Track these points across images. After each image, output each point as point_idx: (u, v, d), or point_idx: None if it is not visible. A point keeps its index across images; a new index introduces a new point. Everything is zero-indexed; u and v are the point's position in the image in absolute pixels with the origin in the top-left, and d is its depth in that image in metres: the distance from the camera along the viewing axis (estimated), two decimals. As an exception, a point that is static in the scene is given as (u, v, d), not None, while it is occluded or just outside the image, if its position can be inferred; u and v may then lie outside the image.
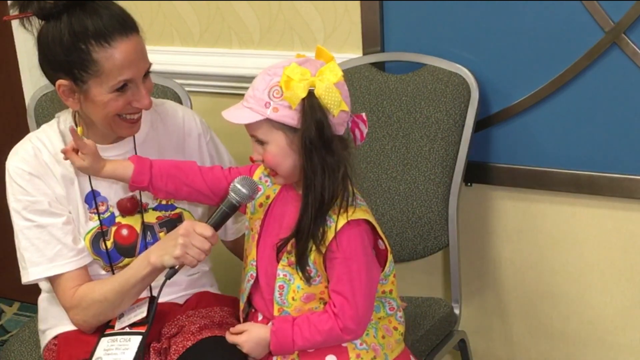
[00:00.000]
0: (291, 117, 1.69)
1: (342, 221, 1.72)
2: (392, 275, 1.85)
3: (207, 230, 1.81)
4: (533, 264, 2.41)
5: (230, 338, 1.85)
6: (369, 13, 2.39)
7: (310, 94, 1.68)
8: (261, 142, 1.74)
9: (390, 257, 1.82)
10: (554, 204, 2.33)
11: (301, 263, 1.74)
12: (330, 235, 1.72)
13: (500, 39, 2.26)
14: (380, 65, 2.40)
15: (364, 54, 2.43)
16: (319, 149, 1.69)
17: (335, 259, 1.73)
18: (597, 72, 2.18)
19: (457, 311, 2.32)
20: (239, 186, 1.81)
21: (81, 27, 1.83)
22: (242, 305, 1.90)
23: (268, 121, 1.70)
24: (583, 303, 2.38)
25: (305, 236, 1.72)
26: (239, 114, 1.73)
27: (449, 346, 2.28)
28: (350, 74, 2.37)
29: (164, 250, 1.85)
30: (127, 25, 1.87)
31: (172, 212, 2.04)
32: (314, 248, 1.73)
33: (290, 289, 1.77)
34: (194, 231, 1.81)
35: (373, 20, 2.39)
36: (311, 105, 1.67)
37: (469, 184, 2.40)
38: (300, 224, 1.73)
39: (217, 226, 1.84)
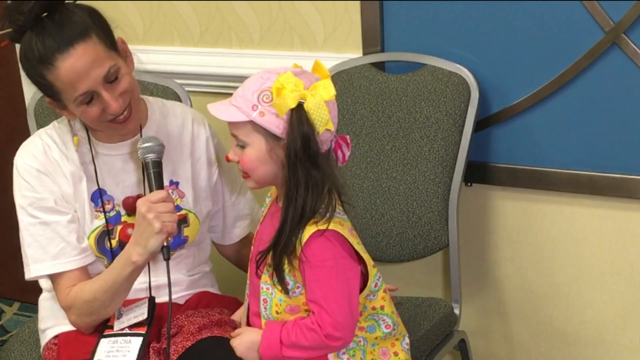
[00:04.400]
0: (276, 125, 1.66)
1: (309, 231, 1.69)
2: (381, 290, 1.78)
3: (160, 194, 1.86)
4: (533, 264, 2.41)
5: (231, 341, 1.84)
6: (369, 13, 2.39)
7: (300, 106, 1.65)
8: (241, 144, 1.72)
9: (374, 270, 1.77)
10: (554, 204, 2.33)
11: (278, 275, 1.72)
12: (300, 246, 1.69)
13: (500, 39, 2.26)
14: (380, 65, 2.40)
15: (364, 54, 2.43)
16: (304, 163, 1.66)
17: (305, 268, 1.70)
18: (597, 72, 2.18)
19: (457, 311, 2.32)
20: (143, 145, 1.88)
21: (30, 53, 1.84)
22: (244, 321, 1.87)
23: (252, 124, 1.68)
24: (583, 303, 2.38)
25: (280, 248, 1.70)
26: (225, 111, 1.71)
27: (449, 346, 2.28)
28: (350, 74, 2.37)
29: (141, 241, 1.84)
30: (66, 39, 1.81)
31: (178, 213, 2.04)
32: (287, 261, 1.71)
33: (273, 303, 1.75)
34: (152, 202, 1.83)
35: (373, 20, 2.39)
36: (299, 117, 1.65)
37: (469, 184, 2.40)
38: (277, 236, 1.70)
39: (161, 186, 1.89)
